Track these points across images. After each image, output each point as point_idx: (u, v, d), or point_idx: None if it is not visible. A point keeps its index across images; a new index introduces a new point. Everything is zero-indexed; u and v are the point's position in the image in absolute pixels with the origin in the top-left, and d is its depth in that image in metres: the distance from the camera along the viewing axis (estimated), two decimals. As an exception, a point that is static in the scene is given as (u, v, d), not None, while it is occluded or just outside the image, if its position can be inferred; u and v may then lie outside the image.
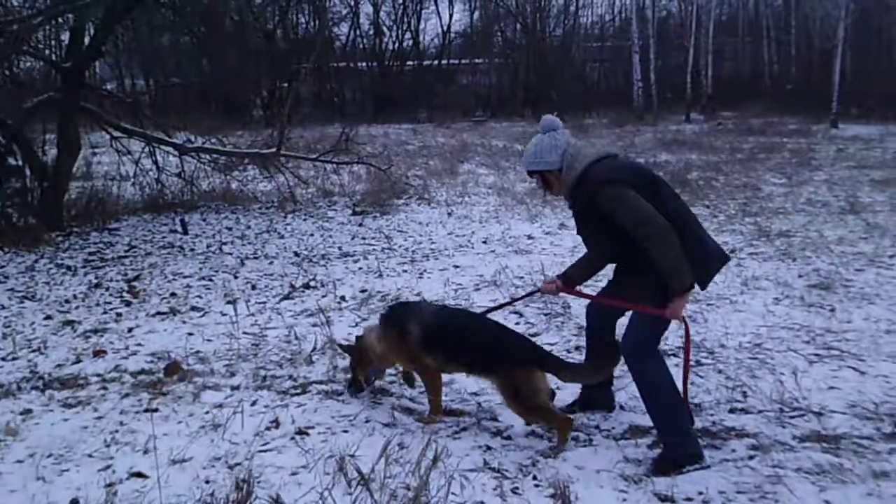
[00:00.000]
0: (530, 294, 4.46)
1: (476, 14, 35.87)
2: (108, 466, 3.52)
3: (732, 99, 28.52)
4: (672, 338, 5.10)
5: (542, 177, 3.75)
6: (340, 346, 4.56)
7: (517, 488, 3.33)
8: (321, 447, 3.64)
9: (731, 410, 4.09)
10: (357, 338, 4.34)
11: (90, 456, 3.64)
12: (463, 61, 35.23)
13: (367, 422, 3.98)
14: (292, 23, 29.69)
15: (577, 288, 3.93)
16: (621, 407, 4.16)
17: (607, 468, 3.50)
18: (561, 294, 4.10)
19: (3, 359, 5.11)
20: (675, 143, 18.30)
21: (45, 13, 9.49)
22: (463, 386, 4.43)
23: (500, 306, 4.59)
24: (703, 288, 3.60)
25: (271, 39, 25.97)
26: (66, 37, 11.03)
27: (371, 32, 33.25)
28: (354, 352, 4.28)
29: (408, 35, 33.59)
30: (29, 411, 4.22)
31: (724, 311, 5.78)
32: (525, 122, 26.22)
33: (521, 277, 6.78)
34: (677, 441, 3.55)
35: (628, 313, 3.78)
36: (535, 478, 3.42)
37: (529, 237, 8.62)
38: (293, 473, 3.41)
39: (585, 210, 3.66)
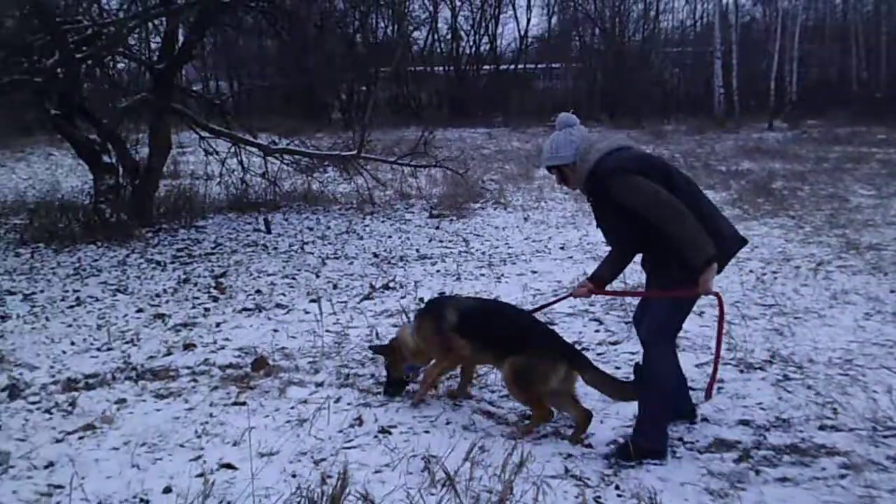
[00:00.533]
0: (564, 298, 4.46)
1: (554, 19, 35.71)
2: (199, 457, 3.64)
3: (818, 107, 27.55)
4: (758, 350, 5.02)
5: (558, 171, 3.84)
6: (372, 348, 4.66)
7: (599, 497, 3.31)
8: (404, 446, 3.68)
9: (821, 427, 3.96)
10: (391, 340, 4.45)
11: (182, 446, 3.77)
12: (540, 66, 35.09)
13: (447, 423, 4.02)
14: (372, 27, 30.06)
15: (608, 287, 3.99)
16: (705, 419, 4.08)
17: (692, 481, 3.44)
18: (594, 295, 4.10)
19: (99, 349, 5.34)
20: (757, 152, 17.84)
21: (140, 16, 9.87)
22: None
23: (536, 310, 4.56)
24: (718, 271, 3.57)
25: (351, 44, 26.35)
26: (158, 39, 11.46)
27: (449, 37, 33.41)
28: (388, 351, 4.38)
29: (485, 39, 33.61)
30: (123, 401, 4.39)
31: (813, 325, 5.60)
32: (602, 127, 25.96)
33: (601, 285, 6.71)
34: (650, 433, 3.66)
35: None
36: (617, 487, 3.40)
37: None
38: (377, 471, 3.47)
39: (601, 202, 3.74)
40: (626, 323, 5.66)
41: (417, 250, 8.50)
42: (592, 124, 27.17)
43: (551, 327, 4.57)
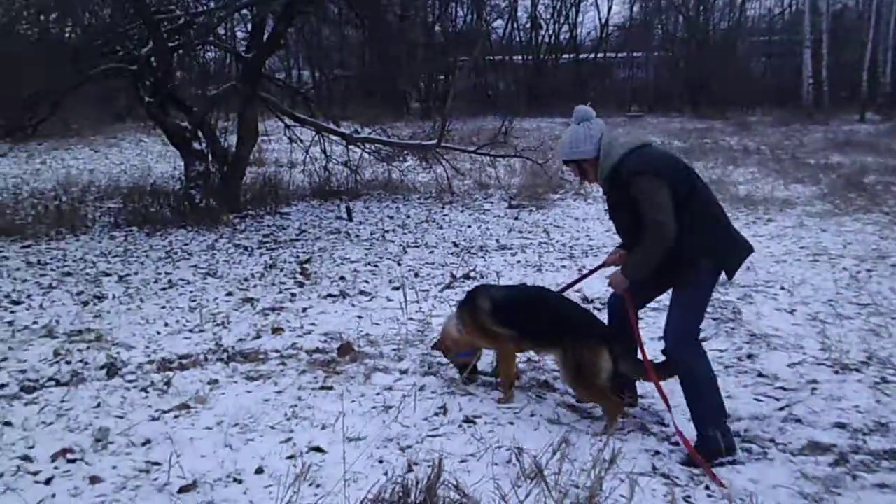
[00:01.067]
0: (599, 268, 4.43)
1: (636, 6, 34.98)
2: (289, 439, 3.72)
3: (914, 98, 26.35)
4: (854, 351, 4.83)
5: (577, 166, 3.86)
6: (433, 347, 4.66)
7: (689, 497, 3.25)
8: (489, 437, 3.69)
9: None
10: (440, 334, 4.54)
11: (272, 428, 3.86)
12: (620, 55, 34.48)
13: (532, 415, 4.00)
14: (452, 17, 30.06)
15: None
16: (798, 420, 3.96)
17: (785, 484, 3.35)
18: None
19: (191, 331, 5.51)
20: (848, 145, 17.14)
21: (230, 6, 10.11)
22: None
23: (573, 283, 4.66)
24: (729, 278, 3.70)
25: (431, 34, 26.41)
26: (246, 29, 11.73)
27: (528, 26, 33.16)
28: (440, 344, 4.48)
29: (565, 28, 33.26)
30: (216, 381, 4.52)
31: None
32: (684, 118, 25.41)
33: (686, 279, 6.57)
34: (713, 435, 3.55)
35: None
36: (707, 487, 3.33)
37: (692, 238, 8.35)
38: (462, 461, 3.48)
39: (619, 197, 3.73)
40: (715, 319, 5.54)
41: (497, 240, 8.48)
42: (674, 115, 26.65)
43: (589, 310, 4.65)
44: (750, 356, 4.84)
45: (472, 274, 6.96)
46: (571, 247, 8.10)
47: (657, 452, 3.64)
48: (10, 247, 8.28)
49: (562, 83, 31.25)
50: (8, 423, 3.91)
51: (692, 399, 3.69)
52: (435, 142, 11.03)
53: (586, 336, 3.90)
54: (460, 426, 3.86)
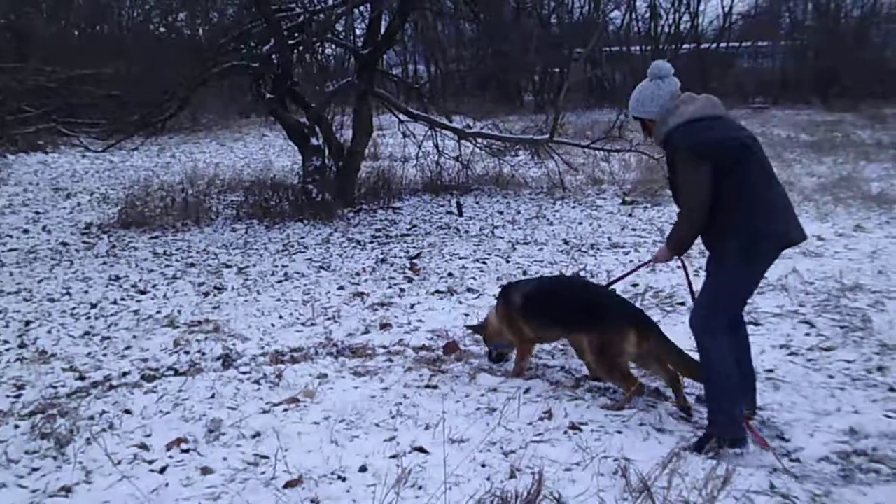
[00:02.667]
0: (646, 263, 4.63)
1: (762, -7, 33.42)
2: (393, 438, 3.73)
3: None
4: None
5: (642, 123, 3.91)
6: (469, 326, 5.07)
7: (809, 520, 3.05)
8: (595, 446, 3.58)
9: None
10: (485, 319, 4.80)
11: (377, 425, 3.88)
12: (744, 44, 33.02)
13: (640, 425, 3.86)
14: (568, 8, 29.64)
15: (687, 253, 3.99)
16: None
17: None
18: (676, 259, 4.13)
19: (303, 324, 5.64)
20: None
21: (348, 3, 10.29)
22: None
23: (620, 278, 4.88)
24: (754, 264, 3.66)
25: (546, 25, 26.14)
26: (363, 26, 11.92)
27: (647, 15, 32.26)
28: (482, 330, 4.76)
29: (685, 17, 32.13)
30: (325, 376, 4.59)
31: None
32: (812, 110, 24.11)
33: (812, 283, 6.22)
34: (723, 422, 3.60)
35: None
36: (828, 510, 3.12)
37: (819, 238, 7.87)
38: (567, 469, 3.39)
39: (669, 164, 3.78)
40: (843, 327, 5.21)
41: (609, 238, 8.28)
42: (801, 107, 25.33)
43: (623, 296, 4.77)
44: (880, 368, 4.51)
45: (582, 273, 6.81)
46: (687, 246, 7.81)
47: (775, 470, 3.43)
48: (139, 237, 8.75)
49: (681, 74, 30.04)
50: (128, 412, 4.10)
51: (706, 381, 3.75)
52: (547, 136, 10.89)
53: (613, 318, 4.09)
54: (565, 433, 3.76)
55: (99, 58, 16.52)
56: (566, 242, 8.13)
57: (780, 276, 6.36)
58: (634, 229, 8.70)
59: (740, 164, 3.57)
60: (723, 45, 32.31)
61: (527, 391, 4.26)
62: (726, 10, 32.10)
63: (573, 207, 10.12)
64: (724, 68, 31.64)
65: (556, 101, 12.81)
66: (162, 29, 13.09)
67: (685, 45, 32.00)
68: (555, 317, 4.36)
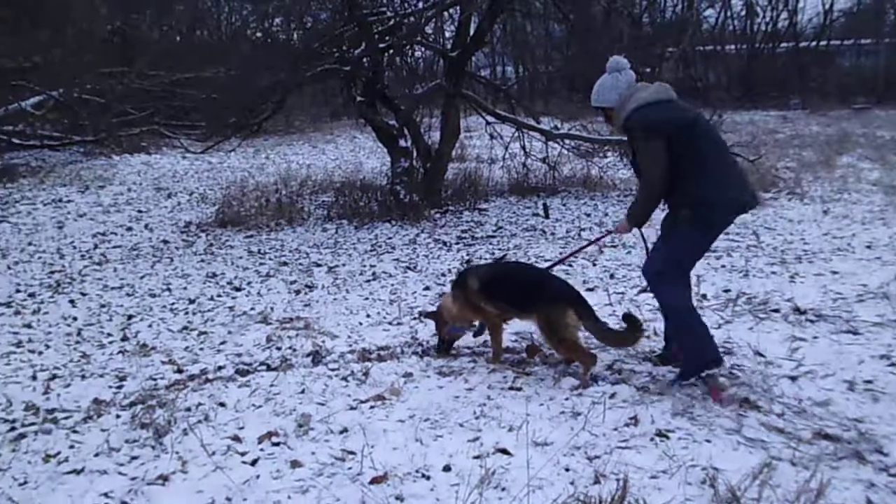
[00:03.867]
0: (604, 237, 5.35)
1: (866, -11, 31.99)
2: (477, 438, 3.75)
3: None
4: None
5: (603, 112, 4.41)
6: (422, 313, 5.39)
7: (909, 539, 2.92)
8: (683, 454, 3.51)
9: None
10: (437, 306, 5.04)
11: (461, 426, 3.91)
12: (846, 42, 31.66)
13: (730, 434, 3.76)
14: (660, 6, 29.09)
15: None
16: None
17: None
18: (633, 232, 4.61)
19: (390, 323, 5.73)
20: None
21: (438, 5, 10.38)
22: (841, 409, 3.98)
23: (569, 255, 5.64)
24: (707, 229, 4.24)
25: (638, 24, 25.69)
26: (452, 28, 12.00)
27: (743, 13, 31.34)
28: (436, 317, 4.97)
29: (783, 15, 31.04)
30: (410, 375, 4.66)
31: None
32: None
33: (916, 291, 5.93)
34: (696, 348, 4.20)
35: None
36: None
37: (926, 244, 7.52)
38: (653, 476, 3.34)
39: (630, 144, 4.32)
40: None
41: (699, 242, 8.07)
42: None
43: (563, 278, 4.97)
44: None
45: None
46: (783, 251, 7.55)
47: (872, 485, 3.29)
48: (235, 236, 9.06)
49: (779, 74, 29.24)
50: (222, 404, 4.26)
51: (671, 323, 4.39)
52: (637, 138, 10.71)
53: (553, 299, 4.42)
54: (652, 439, 3.71)
55: (199, 62, 17.24)
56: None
57: (882, 283, 6.10)
58: (727, 233, 8.36)
59: (692, 139, 4.07)
60: (823, 43, 31.09)
61: (612, 396, 4.21)
62: (827, 6, 30.91)
63: (663, 210, 9.91)
64: (823, 67, 30.43)
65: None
66: (258, 34, 13.51)
67: (783, 44, 30.94)
68: (508, 298, 4.63)
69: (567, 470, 3.42)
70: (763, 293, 6.07)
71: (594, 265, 7.26)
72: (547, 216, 9.59)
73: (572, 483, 3.28)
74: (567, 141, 11.46)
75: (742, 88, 28.45)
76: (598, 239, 5.55)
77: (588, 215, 9.70)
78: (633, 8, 25.70)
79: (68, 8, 16.99)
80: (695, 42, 28.28)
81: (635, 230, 4.57)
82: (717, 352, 4.23)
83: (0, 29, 14.88)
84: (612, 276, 6.85)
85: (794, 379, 4.32)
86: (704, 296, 6.07)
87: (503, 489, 3.26)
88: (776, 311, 5.58)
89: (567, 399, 4.20)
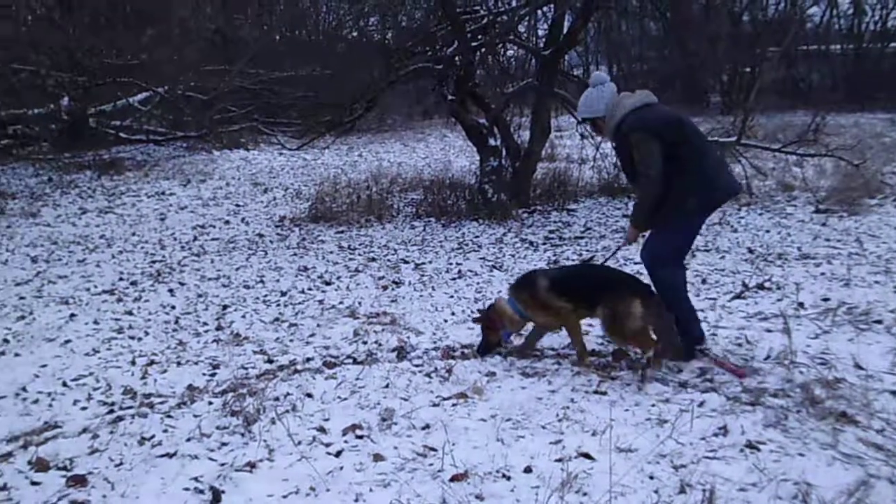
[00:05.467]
0: (621, 248, 5.54)
1: None
2: (559, 441, 3.71)
3: None
4: None
5: (593, 123, 4.81)
6: (474, 318, 5.26)
7: None
8: (774, 467, 3.39)
9: None
10: (489, 306, 5.06)
11: (543, 427, 3.88)
12: (963, 41, 29.85)
13: (825, 448, 3.61)
14: (762, 4, 28.10)
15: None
16: None
17: None
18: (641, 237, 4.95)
19: (475, 321, 5.72)
20: None
21: (531, 3, 10.34)
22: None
23: (610, 255, 5.67)
24: (707, 213, 4.77)
25: (737, 23, 24.94)
26: (545, 26, 11.94)
27: (850, 12, 29.93)
28: (488, 321, 4.97)
29: (894, 13, 29.50)
30: (493, 374, 4.66)
31: None
32: None
33: None
34: (689, 330, 4.69)
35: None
36: None
37: None
38: (741, 489, 3.23)
39: (623, 149, 4.62)
40: None
41: (799, 248, 7.78)
42: None
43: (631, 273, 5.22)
44: None
45: (766, 284, 6.46)
46: (888, 260, 7.18)
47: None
48: (327, 231, 9.26)
49: (887, 75, 27.79)
50: (309, 395, 4.36)
51: (669, 303, 4.62)
52: (735, 138, 10.43)
53: (623, 291, 4.57)
54: (741, 451, 3.59)
55: (296, 61, 17.70)
56: (751, 251, 7.73)
57: None
58: (828, 240, 8.12)
59: (684, 137, 4.53)
60: (937, 42, 29.39)
61: (701, 404, 4.10)
62: (945, 3, 29.17)
63: (760, 214, 9.60)
64: (939, 67, 28.76)
65: (746, 102, 12.22)
66: (354, 33, 13.75)
67: (893, 44, 29.39)
68: (579, 296, 4.73)
69: (651, 478, 3.35)
70: (865, 303, 5.79)
71: (686, 269, 7.07)
72: (638, 218, 9.40)
73: (656, 491, 3.21)
74: (660, 142, 11.20)
75: (847, 90, 27.17)
76: (614, 252, 5.78)
77: (680, 218, 9.45)
78: (734, 6, 24.99)
79: (174, 8, 17.71)
80: (798, 41, 27.20)
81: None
82: (702, 331, 4.83)
83: (111, 28, 15.64)
84: (703, 282, 6.68)
85: (895, 394, 4.12)
86: (802, 304, 5.84)
87: (584, 494, 3.21)
88: (878, 322, 5.32)
89: (653, 405, 4.11)
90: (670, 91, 23.08)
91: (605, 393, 4.30)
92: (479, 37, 10.46)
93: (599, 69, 25.68)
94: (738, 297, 6.18)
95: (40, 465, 3.63)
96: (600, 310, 4.58)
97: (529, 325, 5.07)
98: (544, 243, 8.29)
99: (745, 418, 3.93)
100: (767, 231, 8.64)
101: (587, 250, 7.90)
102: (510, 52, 14.09)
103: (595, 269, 5.41)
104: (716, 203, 4.79)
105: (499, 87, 11.47)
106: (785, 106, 21.61)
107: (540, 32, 13.19)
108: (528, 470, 3.44)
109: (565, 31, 10.49)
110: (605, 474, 3.26)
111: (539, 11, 11.33)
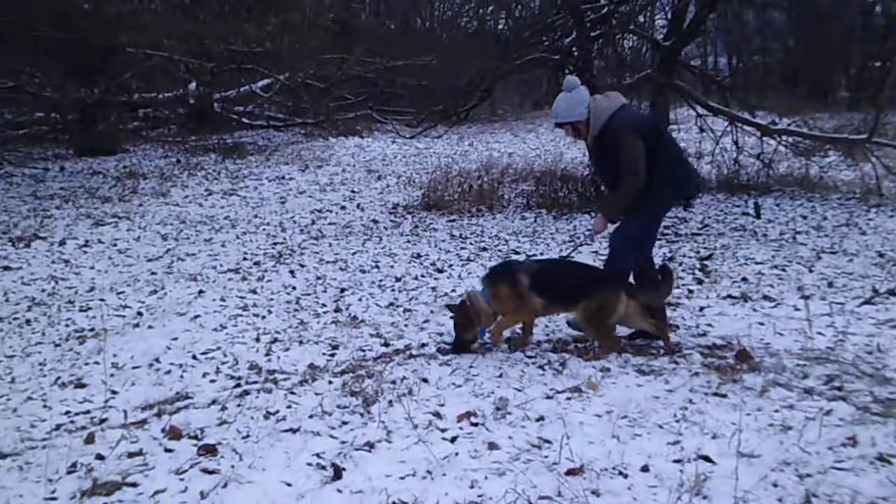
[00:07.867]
0: (590, 236, 6.12)
1: None
2: (677, 442, 3.63)
3: None
4: None
5: (572, 127, 4.95)
6: (448, 306, 5.24)
7: None
8: (909, 481, 3.23)
9: None
10: (461, 303, 5.02)
11: (660, 427, 3.81)
12: None
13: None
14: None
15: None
16: None
17: None
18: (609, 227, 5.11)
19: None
20: None
21: (654, -5, 10.12)
22: None
23: (572, 250, 6.20)
24: (684, 201, 5.28)
25: (870, 14, 23.62)
26: (666, 17, 11.64)
27: None
28: (464, 315, 4.91)
29: None
30: (608, 370, 4.60)
31: None
32: None
33: None
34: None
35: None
36: None
37: None
38: (871, 503, 3.10)
39: (605, 149, 4.85)
40: None
41: (935, 254, 7.34)
42: None
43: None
44: None
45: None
46: None
47: None
48: (438, 220, 9.37)
49: None
50: (425, 380, 4.44)
51: (612, 265, 5.01)
52: (865, 136, 9.90)
53: (605, 287, 4.80)
54: (872, 463, 3.42)
55: (411, 50, 17.91)
56: (881, 255, 7.34)
57: None
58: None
59: (661, 133, 4.99)
60: None
61: (828, 413, 3.93)
62: None
63: (891, 217, 9.09)
64: None
65: (878, 97, 11.57)
66: (473, 23, 13.80)
67: None
68: (558, 291, 4.89)
69: (775, 486, 3.24)
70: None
71: (811, 271, 6.81)
72: (759, 216, 9.08)
73: (780, 500, 3.11)
74: (785, 137, 10.75)
75: None
76: (577, 246, 6.41)
77: (804, 217, 9.08)
78: (868, -5, 23.66)
79: (296, -2, 18.22)
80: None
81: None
82: None
83: (236, 15, 16.25)
84: (830, 285, 6.39)
85: None
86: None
87: (705, 497, 3.14)
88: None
89: (777, 412, 3.97)
90: (794, 85, 22.15)
91: (725, 396, 4.18)
92: (598, 27, 10.31)
93: (718, 60, 24.89)
94: (867, 302, 5.89)
95: (173, 434, 3.84)
96: (585, 303, 4.79)
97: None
98: (659, 239, 8.07)
99: (877, 430, 3.74)
100: (901, 234, 8.18)
101: (704, 248, 7.70)
102: (628, 43, 13.84)
103: (574, 264, 5.52)
104: (689, 190, 5.58)
105: (616, 78, 11.27)
106: (920, 102, 20.34)
107: (661, 23, 12.86)
108: (644, 469, 3.39)
109: (687, 21, 10.21)
110: (727, 479, 3.19)
111: (660, 1, 11.08)
